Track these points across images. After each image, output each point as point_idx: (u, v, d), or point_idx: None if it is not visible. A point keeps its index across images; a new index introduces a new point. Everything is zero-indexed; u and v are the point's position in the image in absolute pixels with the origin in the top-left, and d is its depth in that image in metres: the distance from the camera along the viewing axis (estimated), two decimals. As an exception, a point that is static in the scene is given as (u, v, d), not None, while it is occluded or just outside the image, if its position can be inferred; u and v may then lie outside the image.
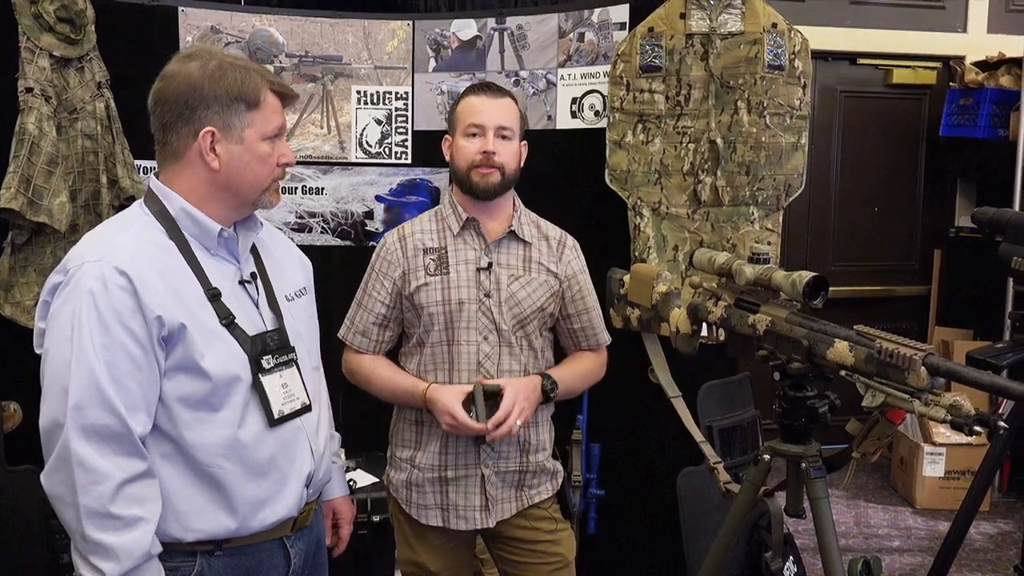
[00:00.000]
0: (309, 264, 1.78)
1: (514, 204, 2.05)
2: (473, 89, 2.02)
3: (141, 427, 1.39)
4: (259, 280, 1.59)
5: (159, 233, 1.48)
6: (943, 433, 4.12)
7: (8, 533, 2.57)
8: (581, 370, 2.09)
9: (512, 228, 2.00)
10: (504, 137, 1.95)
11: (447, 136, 2.04)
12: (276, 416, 1.51)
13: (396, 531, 2.11)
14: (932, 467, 4.15)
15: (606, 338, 2.12)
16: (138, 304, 1.38)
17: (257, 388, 1.49)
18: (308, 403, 1.58)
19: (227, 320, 1.48)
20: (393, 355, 2.10)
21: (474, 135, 1.96)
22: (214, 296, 1.48)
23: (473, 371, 1.94)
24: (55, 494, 1.38)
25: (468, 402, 1.88)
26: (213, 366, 1.44)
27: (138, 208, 1.52)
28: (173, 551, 1.45)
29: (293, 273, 1.70)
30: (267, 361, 1.51)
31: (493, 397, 1.88)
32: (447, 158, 2.04)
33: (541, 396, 1.95)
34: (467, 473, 1.98)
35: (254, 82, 1.49)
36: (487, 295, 1.96)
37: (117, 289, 1.37)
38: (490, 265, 1.97)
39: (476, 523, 1.98)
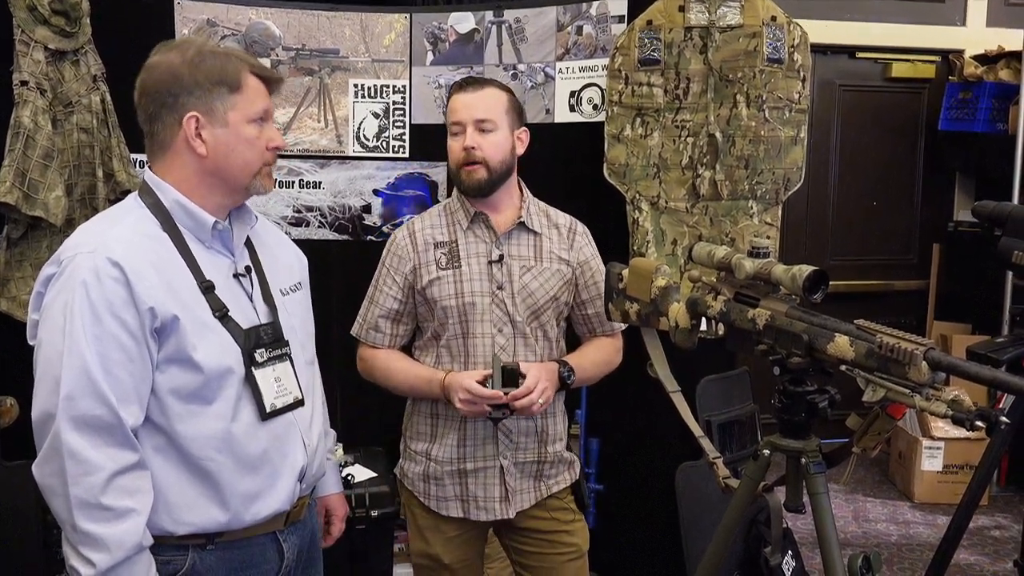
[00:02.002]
0: (304, 259, 1.77)
1: (522, 195, 2.05)
2: (456, 86, 2.02)
3: (133, 419, 1.39)
4: (253, 274, 1.58)
5: (153, 225, 1.47)
6: (941, 427, 4.12)
7: (5, 528, 2.56)
8: (597, 357, 2.08)
9: (521, 219, 2.00)
10: (484, 130, 1.94)
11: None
12: (268, 410, 1.50)
13: (409, 523, 2.11)
14: (930, 461, 4.15)
15: (621, 324, 2.10)
16: (131, 295, 1.38)
17: (250, 381, 1.48)
18: (301, 397, 1.58)
19: (220, 313, 1.47)
20: (407, 351, 2.09)
21: (456, 134, 1.96)
22: (207, 288, 1.47)
23: (489, 363, 1.93)
24: (46, 485, 1.37)
25: (486, 382, 1.86)
26: (206, 359, 1.43)
27: (132, 200, 1.52)
28: (164, 545, 1.44)
29: (288, 268, 1.69)
30: (260, 354, 1.50)
31: (512, 377, 1.86)
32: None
33: (559, 383, 1.95)
34: (485, 465, 1.98)
35: (234, 66, 1.49)
36: (500, 287, 1.96)
37: (110, 280, 1.37)
38: (501, 257, 1.98)
39: (496, 514, 1.99)
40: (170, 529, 1.44)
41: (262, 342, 1.52)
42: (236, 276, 1.54)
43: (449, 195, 2.10)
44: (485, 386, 1.85)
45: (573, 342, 2.14)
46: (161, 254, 1.45)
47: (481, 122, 1.94)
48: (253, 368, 1.49)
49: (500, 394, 1.84)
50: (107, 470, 1.35)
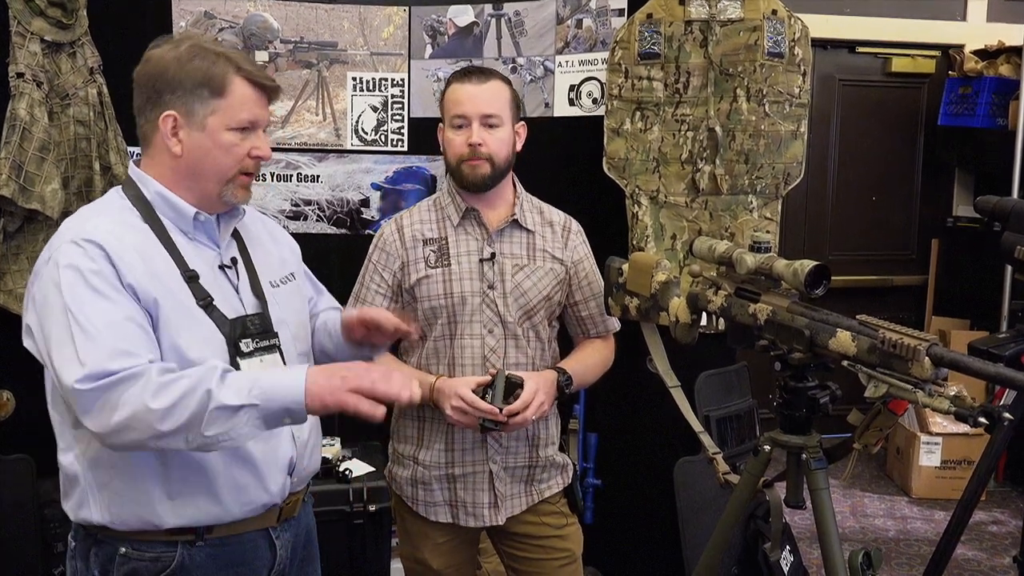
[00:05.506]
0: (298, 249, 1.75)
1: (515, 191, 1.99)
2: (457, 76, 1.94)
3: (152, 356, 1.34)
4: (241, 265, 1.56)
5: (135, 217, 1.46)
6: (939, 423, 4.12)
7: (3, 522, 2.55)
8: (593, 361, 2.03)
9: (514, 216, 1.95)
10: (490, 125, 1.88)
11: (440, 124, 1.98)
12: None
13: (398, 528, 2.08)
14: (928, 457, 4.15)
15: (615, 325, 2.06)
16: (116, 273, 1.36)
17: None
18: None
19: (204, 302, 1.45)
20: (393, 351, 2.06)
21: (460, 127, 1.89)
22: (191, 278, 1.45)
23: (478, 365, 1.89)
24: (129, 441, 1.30)
25: (481, 390, 1.81)
26: (189, 347, 1.40)
27: (115, 194, 1.51)
28: (153, 541, 1.43)
29: (280, 259, 1.67)
30: (246, 345, 1.47)
31: (513, 390, 1.82)
32: (441, 148, 1.97)
33: (556, 392, 1.91)
34: (474, 470, 1.93)
35: (222, 69, 1.45)
36: (491, 287, 1.91)
37: (97, 256, 1.36)
38: (493, 256, 1.92)
39: (485, 520, 1.94)
40: (157, 522, 1.42)
41: (248, 332, 1.49)
42: (222, 267, 1.52)
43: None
44: (482, 396, 1.80)
45: (564, 340, 2.11)
46: (144, 243, 1.43)
47: (488, 117, 1.87)
48: (238, 358, 1.46)
49: (497, 409, 1.78)
50: (152, 371, 1.29)
